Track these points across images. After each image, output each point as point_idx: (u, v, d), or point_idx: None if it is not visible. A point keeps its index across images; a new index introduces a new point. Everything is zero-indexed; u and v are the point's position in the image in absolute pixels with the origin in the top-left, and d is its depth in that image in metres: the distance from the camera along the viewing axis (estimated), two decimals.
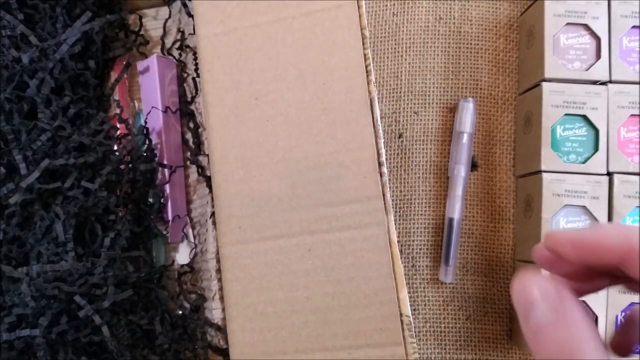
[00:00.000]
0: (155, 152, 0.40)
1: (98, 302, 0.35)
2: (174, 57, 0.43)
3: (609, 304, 0.34)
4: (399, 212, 0.40)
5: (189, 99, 0.42)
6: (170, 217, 0.40)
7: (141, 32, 0.43)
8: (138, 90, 0.42)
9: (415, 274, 0.40)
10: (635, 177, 0.34)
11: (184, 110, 0.42)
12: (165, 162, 0.40)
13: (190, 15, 0.42)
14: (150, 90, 0.41)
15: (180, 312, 0.39)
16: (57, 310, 0.34)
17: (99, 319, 0.34)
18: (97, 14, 0.40)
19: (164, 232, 0.40)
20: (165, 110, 0.40)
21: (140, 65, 0.41)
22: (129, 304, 0.37)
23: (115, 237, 0.37)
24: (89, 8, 0.39)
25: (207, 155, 0.40)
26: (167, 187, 0.40)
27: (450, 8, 0.41)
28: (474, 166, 0.40)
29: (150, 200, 0.39)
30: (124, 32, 0.43)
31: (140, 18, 0.43)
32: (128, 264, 0.37)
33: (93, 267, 0.35)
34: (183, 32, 0.43)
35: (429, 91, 0.41)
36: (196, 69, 0.42)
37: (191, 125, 0.42)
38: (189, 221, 0.41)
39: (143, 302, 0.37)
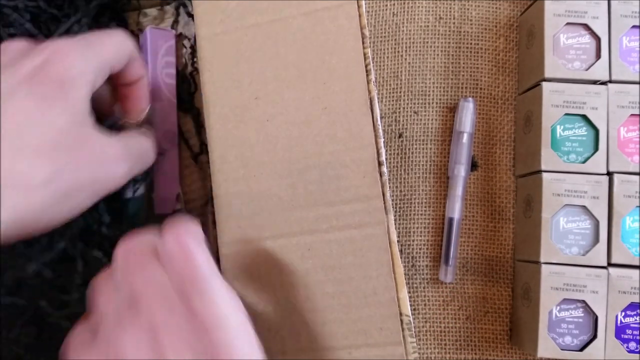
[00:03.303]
0: None
1: (68, 307, 0.33)
2: None
3: (609, 304, 0.34)
4: (399, 212, 0.40)
5: (191, 93, 0.41)
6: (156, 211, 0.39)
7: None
8: None
9: (415, 274, 0.40)
10: (635, 177, 0.34)
11: (185, 108, 0.41)
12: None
13: (190, 15, 0.42)
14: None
15: None
16: (26, 318, 0.33)
17: (70, 325, 0.33)
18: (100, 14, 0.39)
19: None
20: (157, 83, 0.38)
21: (140, 40, 0.41)
22: None
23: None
24: (91, 14, 0.38)
25: (207, 155, 0.40)
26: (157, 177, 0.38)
27: (450, 8, 0.41)
28: (474, 166, 0.40)
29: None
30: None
31: (138, 14, 0.43)
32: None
33: (60, 270, 0.34)
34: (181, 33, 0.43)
35: (429, 91, 0.41)
36: (196, 69, 0.42)
37: (192, 124, 0.41)
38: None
39: None
